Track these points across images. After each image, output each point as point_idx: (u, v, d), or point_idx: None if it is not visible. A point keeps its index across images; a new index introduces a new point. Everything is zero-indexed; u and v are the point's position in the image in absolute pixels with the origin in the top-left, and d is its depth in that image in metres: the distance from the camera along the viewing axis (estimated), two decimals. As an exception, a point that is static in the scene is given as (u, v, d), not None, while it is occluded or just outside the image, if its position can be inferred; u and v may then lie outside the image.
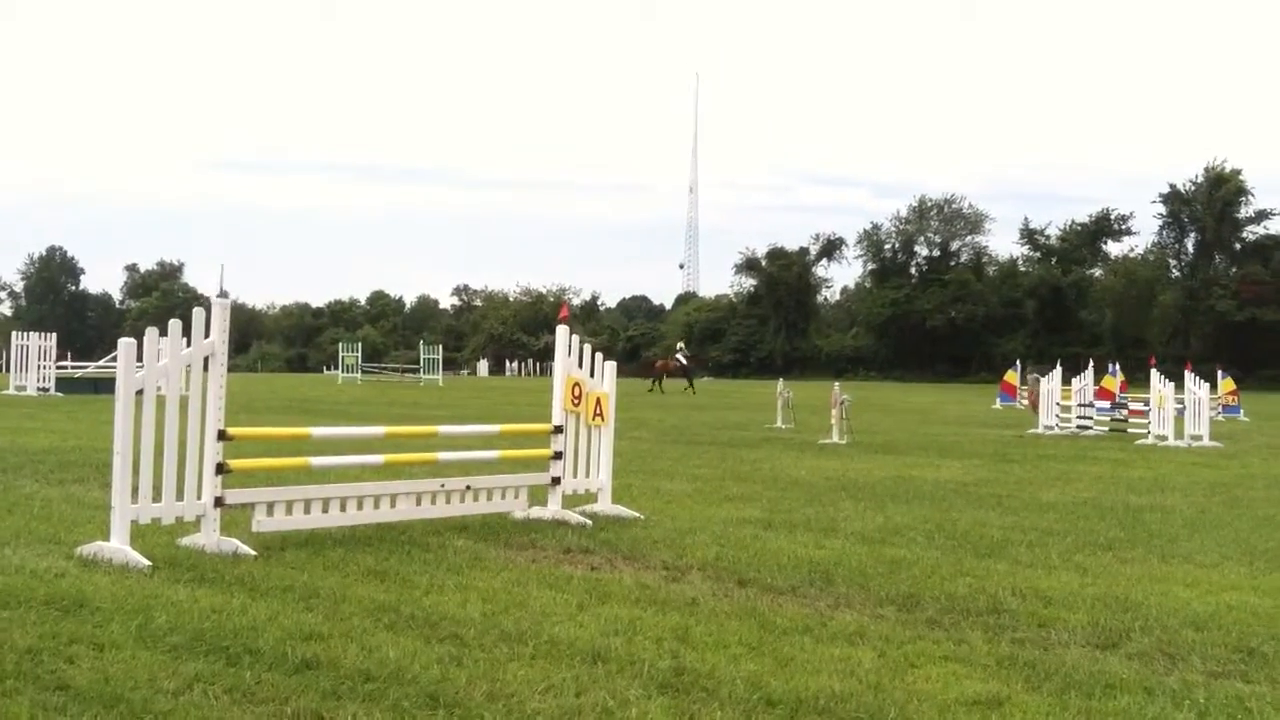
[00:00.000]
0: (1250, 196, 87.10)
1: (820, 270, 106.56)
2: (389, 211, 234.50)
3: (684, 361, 47.73)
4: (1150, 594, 7.74)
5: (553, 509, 10.38)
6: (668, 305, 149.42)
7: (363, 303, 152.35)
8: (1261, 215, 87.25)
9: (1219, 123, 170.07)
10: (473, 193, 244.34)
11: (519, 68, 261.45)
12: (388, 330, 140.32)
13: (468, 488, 10.00)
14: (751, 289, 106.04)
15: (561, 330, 10.80)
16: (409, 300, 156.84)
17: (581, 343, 11.06)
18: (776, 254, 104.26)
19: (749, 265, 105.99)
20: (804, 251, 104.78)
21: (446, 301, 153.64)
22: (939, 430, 26.70)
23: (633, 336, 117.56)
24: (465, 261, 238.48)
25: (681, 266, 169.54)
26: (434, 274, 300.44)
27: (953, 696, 5.23)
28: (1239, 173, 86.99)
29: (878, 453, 19.37)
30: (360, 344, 72.43)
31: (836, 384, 23.98)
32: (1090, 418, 26.67)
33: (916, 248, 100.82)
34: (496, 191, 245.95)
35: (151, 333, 8.36)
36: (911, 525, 10.69)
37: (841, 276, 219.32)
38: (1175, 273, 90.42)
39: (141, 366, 8.20)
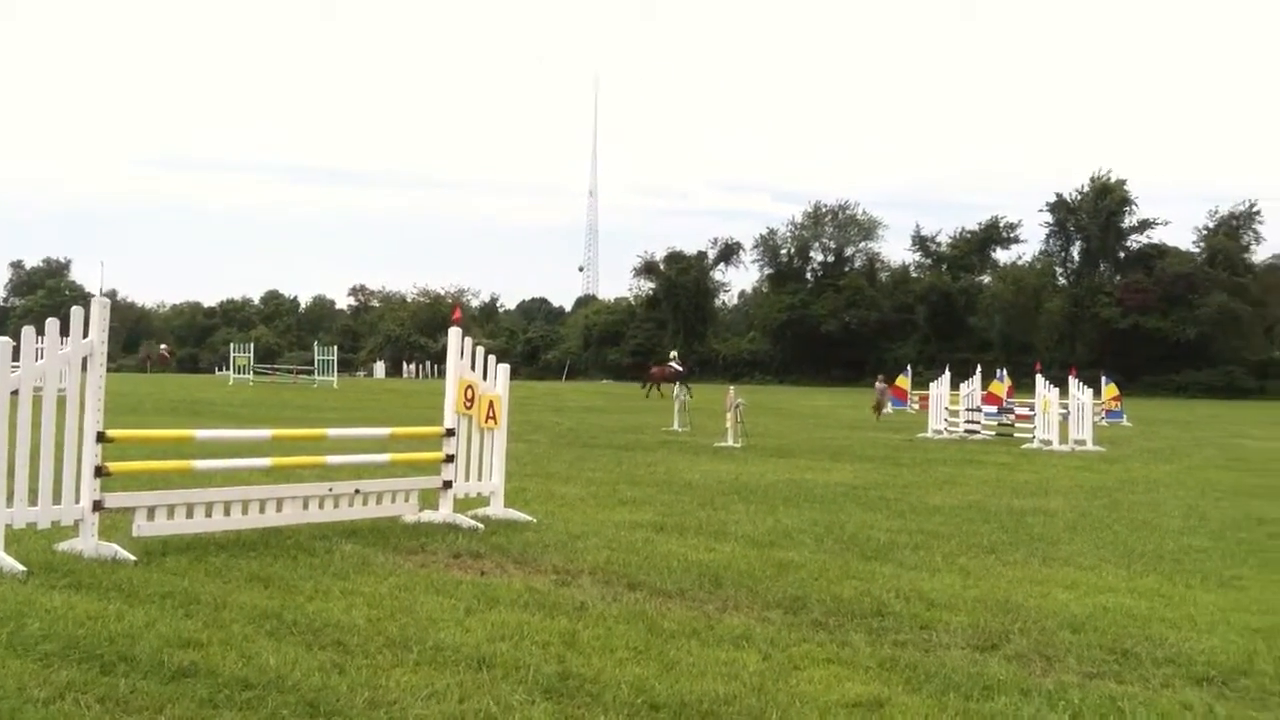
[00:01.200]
0: (1134, 206, 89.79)
1: (718, 274, 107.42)
2: (285, 210, 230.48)
3: (678, 368, 49.85)
4: (1030, 596, 7.93)
5: (444, 513, 10.29)
6: (567, 307, 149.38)
7: (256, 302, 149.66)
8: (1144, 225, 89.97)
9: (1105, 134, 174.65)
10: (371, 192, 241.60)
11: (418, 68, 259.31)
12: (282, 330, 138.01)
13: (357, 491, 9.88)
14: (650, 292, 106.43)
15: (454, 332, 10.71)
16: (304, 300, 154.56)
17: (475, 345, 10.99)
18: (675, 258, 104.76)
19: (648, 269, 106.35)
20: (702, 255, 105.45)
21: (343, 302, 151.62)
22: (832, 434, 27.04)
23: (532, 339, 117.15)
24: (362, 262, 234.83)
25: (581, 269, 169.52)
26: (330, 274, 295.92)
27: (834, 698, 5.30)
28: (1124, 183, 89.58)
29: (771, 456, 19.56)
30: (253, 344, 71.05)
31: (731, 388, 24.16)
32: (978, 422, 27.23)
33: (812, 253, 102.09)
34: (395, 191, 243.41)
35: (28, 332, 8.13)
36: (801, 528, 10.81)
37: (739, 281, 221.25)
38: (1062, 280, 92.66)
39: (18, 366, 7.96)
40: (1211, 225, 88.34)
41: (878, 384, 38.25)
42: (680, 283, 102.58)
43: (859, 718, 5.05)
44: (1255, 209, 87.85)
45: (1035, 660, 6.21)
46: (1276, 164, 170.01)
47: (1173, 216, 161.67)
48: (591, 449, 20.06)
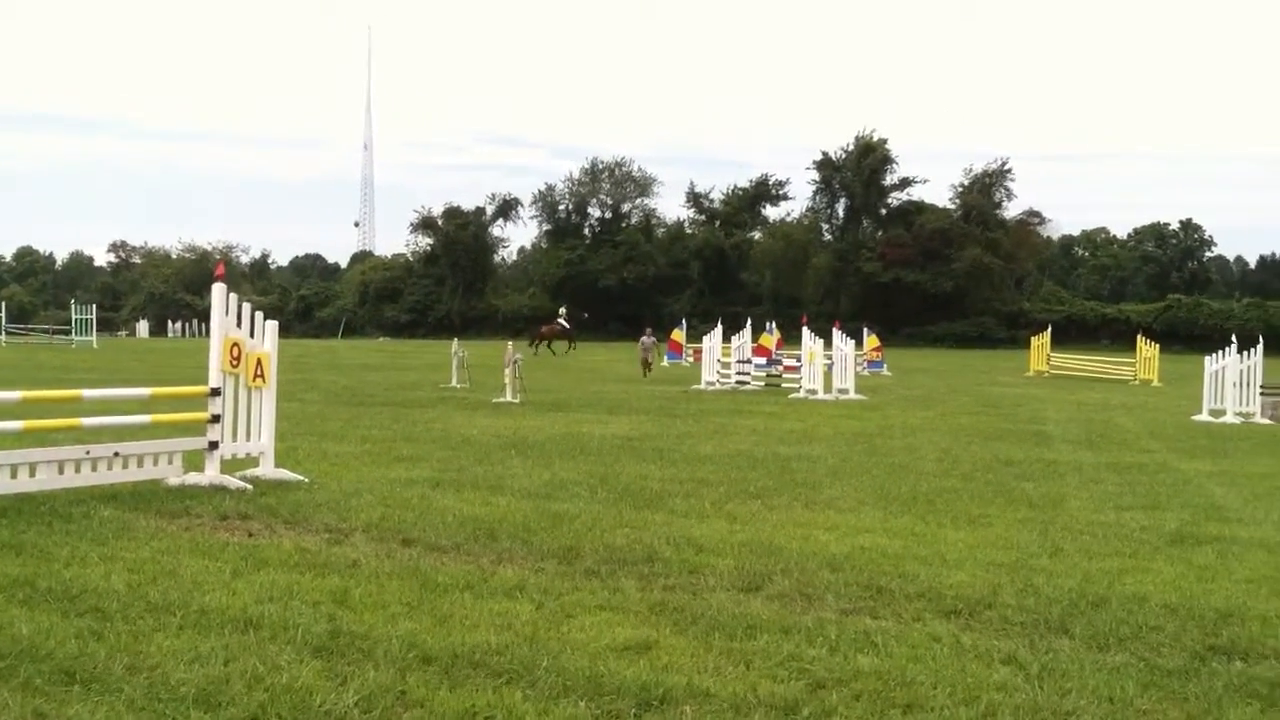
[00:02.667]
0: (895, 165, 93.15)
1: (496, 230, 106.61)
2: (39, 162, 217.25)
3: (565, 325, 51.22)
4: (793, 538, 8.26)
5: (210, 474, 9.99)
6: (343, 264, 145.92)
7: (8, 259, 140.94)
8: (905, 182, 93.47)
9: (868, 95, 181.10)
10: (131, 143, 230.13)
11: (183, 15, 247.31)
12: (36, 289, 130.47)
13: (116, 454, 9.50)
14: (428, 248, 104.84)
15: (218, 288, 10.36)
16: (60, 257, 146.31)
17: (241, 302, 10.66)
18: (453, 213, 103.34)
19: (425, 224, 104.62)
20: (480, 211, 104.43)
21: (102, 259, 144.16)
22: (609, 388, 27.35)
23: (306, 296, 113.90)
24: (123, 217, 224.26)
25: (357, 224, 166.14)
26: (88, 229, 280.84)
27: (605, 643, 5.43)
28: (885, 142, 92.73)
29: (549, 410, 19.68)
30: (4, 304, 66.90)
31: (510, 343, 24.16)
32: (748, 374, 28.00)
33: (590, 209, 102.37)
34: (157, 143, 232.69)
35: None
36: (577, 480, 10.95)
37: (518, 237, 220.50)
38: (828, 236, 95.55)
39: None
40: (966, 183, 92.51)
41: (644, 339, 35.44)
42: (458, 238, 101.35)
43: (628, 660, 5.18)
44: (1007, 167, 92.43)
45: (796, 599, 6.49)
46: (1027, 124, 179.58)
47: (931, 175, 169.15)
48: (367, 407, 19.77)
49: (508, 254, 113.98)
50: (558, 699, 4.67)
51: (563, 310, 55.13)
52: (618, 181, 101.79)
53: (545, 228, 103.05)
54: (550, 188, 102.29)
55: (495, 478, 11.06)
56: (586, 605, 6.16)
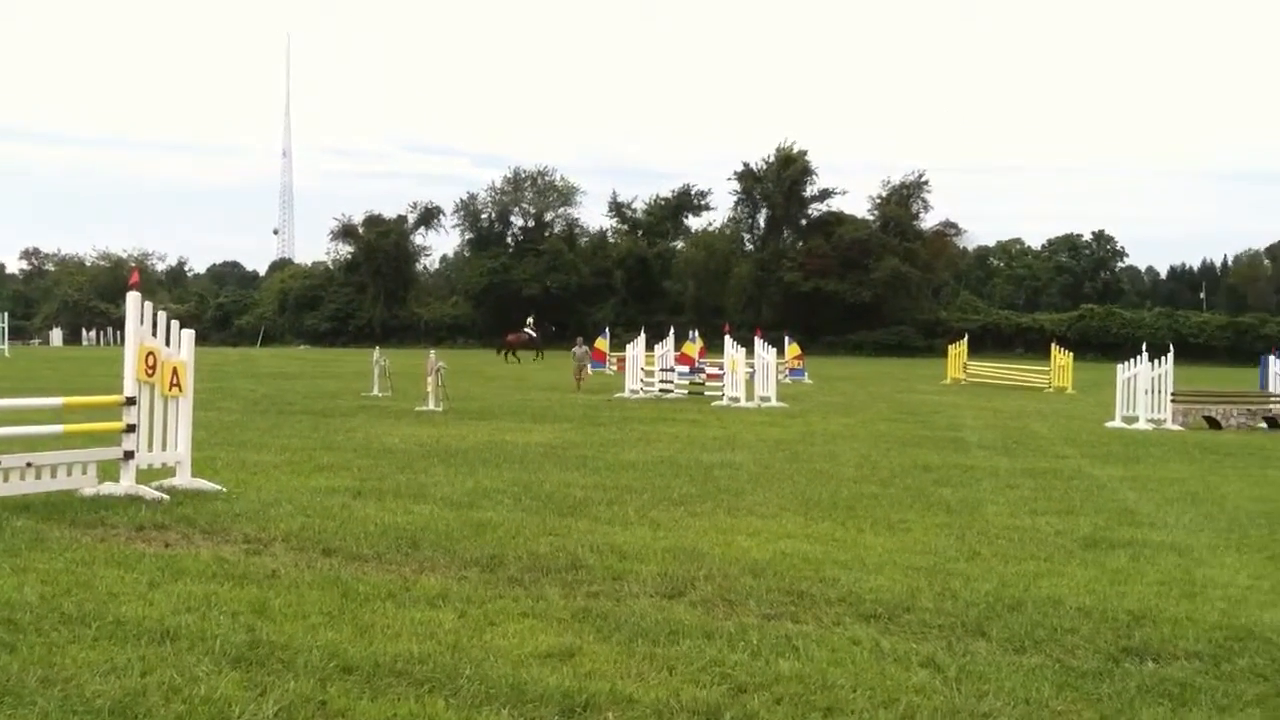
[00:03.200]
0: (815, 176, 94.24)
1: (419, 238, 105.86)
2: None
3: (532, 334, 52.28)
4: (715, 544, 8.31)
5: (126, 485, 9.82)
6: (262, 271, 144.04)
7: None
8: (825, 194, 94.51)
9: (789, 108, 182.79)
10: (44, 149, 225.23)
11: (96, 18, 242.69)
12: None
13: (29, 465, 9.30)
14: (349, 256, 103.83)
15: (133, 297, 10.19)
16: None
17: (157, 310, 10.49)
18: (374, 221, 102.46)
19: (346, 232, 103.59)
20: (402, 219, 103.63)
21: (14, 266, 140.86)
22: (533, 396, 27.28)
23: (224, 304, 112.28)
24: (35, 224, 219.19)
25: (276, 232, 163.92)
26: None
27: (528, 650, 5.42)
28: (805, 154, 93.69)
29: (472, 419, 19.59)
30: (-92, 312, 65.08)
31: (432, 352, 24.02)
32: (672, 382, 28.09)
33: (513, 218, 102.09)
34: (71, 149, 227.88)
35: None
36: (500, 488, 10.92)
37: (440, 245, 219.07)
38: (749, 246, 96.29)
39: None
40: (884, 194, 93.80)
41: (577, 349, 34.11)
42: (380, 246, 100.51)
43: (551, 667, 5.18)
44: (924, 179, 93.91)
45: (719, 604, 6.53)
46: (943, 137, 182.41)
47: (850, 186, 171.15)
48: (287, 415, 19.54)
49: (430, 262, 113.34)
50: (480, 707, 4.66)
51: (530, 320, 55.44)
52: (540, 190, 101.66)
53: (468, 236, 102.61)
54: (473, 196, 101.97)
55: (418, 486, 10.99)
56: (510, 613, 6.15)
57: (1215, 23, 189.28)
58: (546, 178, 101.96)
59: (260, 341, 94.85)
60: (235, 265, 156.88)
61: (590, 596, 6.59)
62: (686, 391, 28.23)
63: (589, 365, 34.62)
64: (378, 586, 6.64)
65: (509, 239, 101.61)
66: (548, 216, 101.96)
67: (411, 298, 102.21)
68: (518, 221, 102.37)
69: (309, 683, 4.85)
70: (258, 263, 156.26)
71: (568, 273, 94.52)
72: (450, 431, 17.03)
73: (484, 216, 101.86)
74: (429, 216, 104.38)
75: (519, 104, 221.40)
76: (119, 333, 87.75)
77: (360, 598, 6.36)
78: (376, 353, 27.79)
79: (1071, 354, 39.73)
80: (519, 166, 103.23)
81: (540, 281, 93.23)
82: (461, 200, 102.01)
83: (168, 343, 10.45)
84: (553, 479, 11.74)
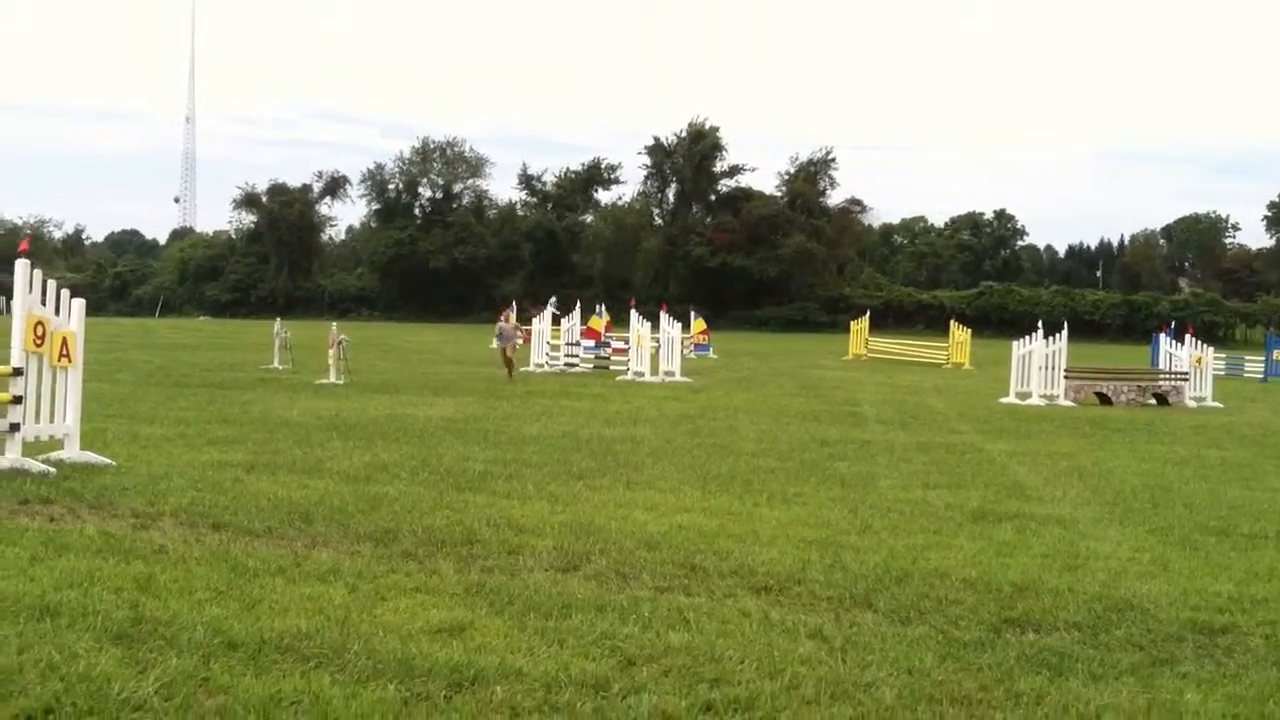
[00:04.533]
0: (725, 152, 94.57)
1: (324, 208, 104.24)
2: None
3: (555, 314, 49.79)
4: (613, 519, 8.34)
5: (11, 458, 9.56)
6: (162, 240, 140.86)
7: None
8: (734, 170, 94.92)
9: (700, 82, 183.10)
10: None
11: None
12: None
13: (-95, 438, 9.02)
14: (252, 226, 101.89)
15: (21, 265, 9.91)
16: None
17: (46, 279, 10.22)
18: (278, 190, 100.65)
19: (249, 201, 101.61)
20: (307, 189, 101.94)
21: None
22: (437, 369, 27.10)
23: (121, 273, 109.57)
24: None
25: (177, 200, 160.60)
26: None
27: (418, 625, 5.40)
28: (716, 130, 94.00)
29: (374, 392, 19.41)
30: None
31: (334, 324, 23.73)
32: (577, 356, 28.08)
33: (420, 189, 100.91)
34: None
35: None
36: (398, 462, 10.84)
37: (347, 216, 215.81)
38: (658, 220, 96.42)
39: None
40: (792, 171, 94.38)
41: (501, 323, 25.98)
42: (284, 216, 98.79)
43: (441, 642, 5.17)
44: (831, 156, 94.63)
45: (613, 578, 6.57)
46: (850, 115, 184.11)
47: (759, 163, 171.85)
48: (183, 388, 19.17)
49: (335, 233, 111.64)
50: (367, 682, 4.63)
51: (553, 299, 55.49)
52: (449, 162, 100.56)
53: (374, 207, 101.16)
54: (380, 166, 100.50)
55: (314, 460, 10.87)
56: (402, 588, 6.12)
57: (1120, 3, 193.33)
58: (456, 149, 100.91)
59: (159, 312, 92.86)
60: (135, 234, 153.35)
61: (484, 571, 6.58)
62: (592, 365, 28.23)
63: (515, 341, 26.24)
64: (267, 562, 6.56)
65: (416, 210, 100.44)
66: (456, 188, 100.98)
67: (316, 269, 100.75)
68: (425, 193, 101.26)
69: (192, 659, 4.78)
70: (158, 231, 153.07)
71: (476, 245, 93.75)
72: (350, 405, 16.86)
73: (391, 187, 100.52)
74: (335, 186, 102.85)
75: (429, 74, 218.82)
76: (9, 301, 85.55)
77: (249, 573, 6.28)
78: (278, 324, 27.38)
79: (970, 331, 40.48)
80: (428, 137, 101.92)
81: (447, 254, 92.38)
82: (369, 170, 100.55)
83: (57, 312, 10.20)
84: (452, 453, 11.69)
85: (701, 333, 40.06)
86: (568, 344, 28.41)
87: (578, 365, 27.83)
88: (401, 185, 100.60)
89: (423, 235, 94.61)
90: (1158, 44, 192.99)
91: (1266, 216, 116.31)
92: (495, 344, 27.37)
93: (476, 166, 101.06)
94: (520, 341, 27.31)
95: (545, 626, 5.51)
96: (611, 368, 27.87)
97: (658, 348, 26.01)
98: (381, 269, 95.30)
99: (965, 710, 4.65)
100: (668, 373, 25.34)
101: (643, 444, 13.09)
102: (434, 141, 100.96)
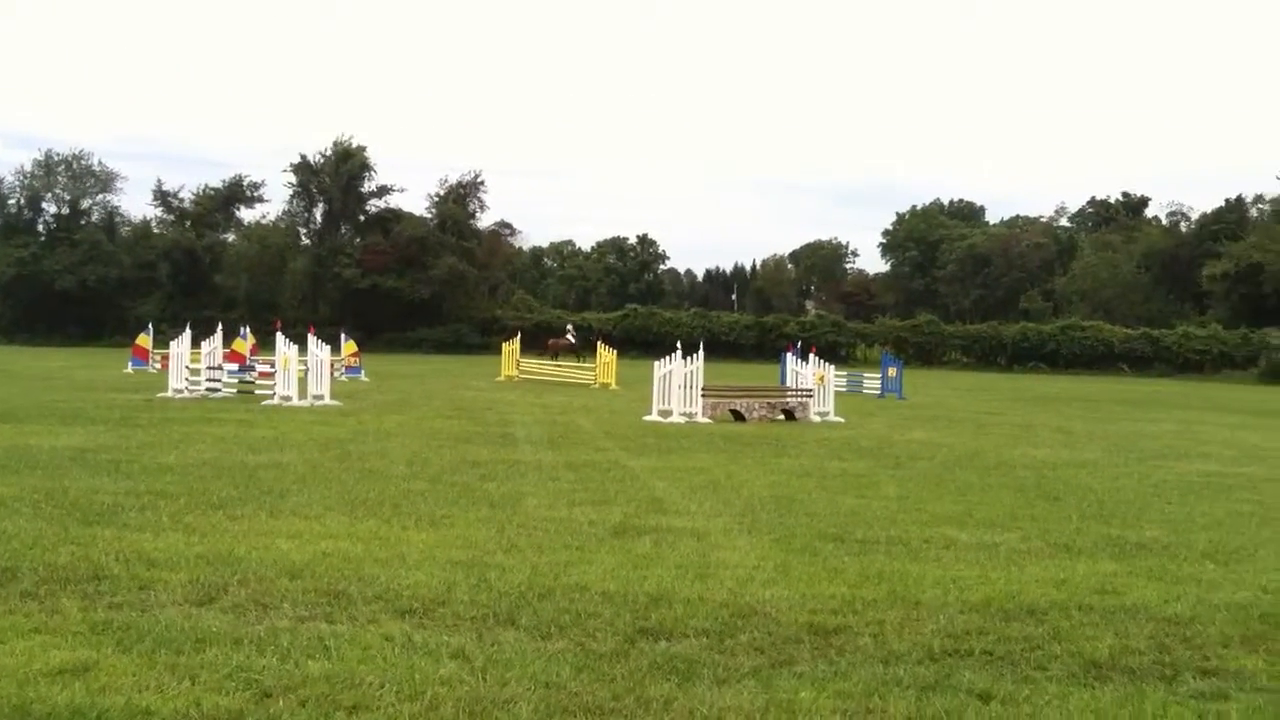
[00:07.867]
0: (373, 172, 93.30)
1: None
2: None
3: (573, 339, 52.31)
4: (254, 548, 8.15)
5: None
6: None
7: None
8: (383, 190, 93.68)
9: (346, 101, 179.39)
10: None
11: None
12: None
13: None
14: None
15: None
16: None
17: None
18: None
19: None
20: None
21: None
22: (64, 396, 25.37)
23: None
24: None
25: None
26: None
27: (38, 668, 5.14)
28: (364, 149, 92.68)
29: (-11, 423, 17.97)
30: None
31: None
32: (220, 380, 27.01)
33: (44, 204, 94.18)
34: None
35: None
36: (18, 496, 10.16)
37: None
38: (306, 240, 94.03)
39: None
40: (442, 193, 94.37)
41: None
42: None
43: (62, 684, 4.93)
44: (480, 179, 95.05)
45: (251, 609, 6.44)
46: (499, 141, 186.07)
47: (408, 184, 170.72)
48: None
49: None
50: (-21, 732, 4.37)
51: (570, 326, 54.02)
52: (76, 175, 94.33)
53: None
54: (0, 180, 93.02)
55: (-82, 498, 10.00)
56: (20, 629, 5.78)
57: (751, 38, 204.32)
58: (83, 162, 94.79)
59: None
60: None
61: (112, 608, 6.31)
62: (236, 390, 27.21)
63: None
64: None
65: (40, 227, 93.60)
66: (84, 204, 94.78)
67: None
68: (50, 208, 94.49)
69: None
70: None
71: (108, 264, 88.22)
72: (-38, 437, 15.56)
73: (11, 202, 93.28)
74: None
75: (51, 80, 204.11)
76: None
77: None
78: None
79: (616, 351, 41.68)
80: (51, 149, 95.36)
81: (76, 274, 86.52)
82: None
83: None
84: (79, 484, 11.04)
85: (353, 355, 39.31)
86: (209, 368, 27.25)
87: (220, 390, 26.75)
88: (23, 200, 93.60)
89: (47, 254, 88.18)
90: (786, 74, 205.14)
91: (881, 243, 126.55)
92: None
93: (106, 181, 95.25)
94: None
95: (177, 662, 5.35)
96: (257, 392, 26.96)
97: (306, 371, 25.39)
98: (3, 289, 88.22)
99: None
100: (316, 396, 24.77)
101: (288, 470, 12.79)
102: (59, 154, 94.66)
